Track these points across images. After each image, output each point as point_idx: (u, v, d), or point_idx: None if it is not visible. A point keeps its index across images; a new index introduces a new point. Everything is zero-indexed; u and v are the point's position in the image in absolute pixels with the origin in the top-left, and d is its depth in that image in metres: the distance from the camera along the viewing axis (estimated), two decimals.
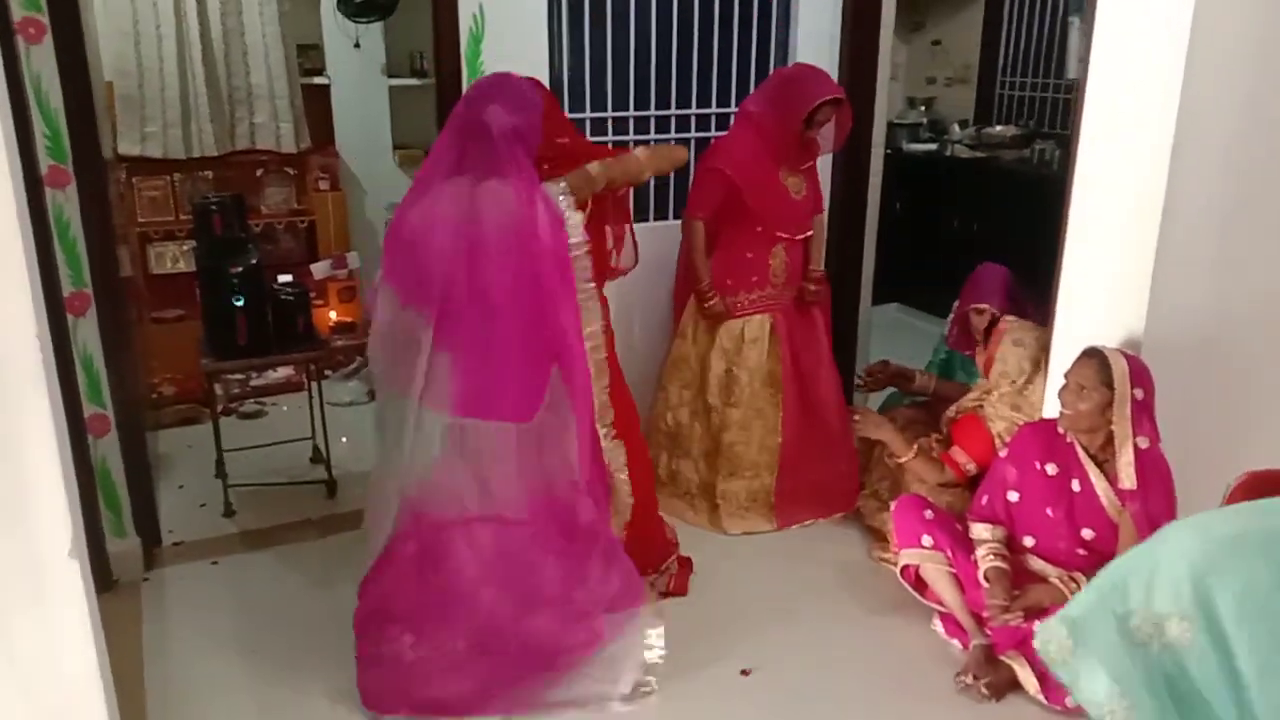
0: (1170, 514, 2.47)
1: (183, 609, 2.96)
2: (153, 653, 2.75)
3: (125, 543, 3.09)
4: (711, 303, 3.35)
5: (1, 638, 1.50)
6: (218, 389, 3.74)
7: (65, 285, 2.83)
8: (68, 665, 1.60)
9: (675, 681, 2.62)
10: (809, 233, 3.46)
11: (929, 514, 2.82)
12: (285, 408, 4.41)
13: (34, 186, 2.63)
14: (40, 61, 2.67)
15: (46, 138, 2.72)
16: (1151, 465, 2.43)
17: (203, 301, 3.47)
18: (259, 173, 4.77)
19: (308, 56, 4.96)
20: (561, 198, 2.41)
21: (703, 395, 3.45)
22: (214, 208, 3.57)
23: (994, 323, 3.11)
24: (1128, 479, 2.43)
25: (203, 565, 3.19)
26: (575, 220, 2.42)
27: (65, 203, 2.78)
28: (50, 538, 1.53)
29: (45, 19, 2.64)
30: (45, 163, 2.73)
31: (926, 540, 2.79)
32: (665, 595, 3.00)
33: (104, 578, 2.93)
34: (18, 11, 2.60)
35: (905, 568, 2.86)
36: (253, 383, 4.53)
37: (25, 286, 1.45)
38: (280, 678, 2.59)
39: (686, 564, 3.12)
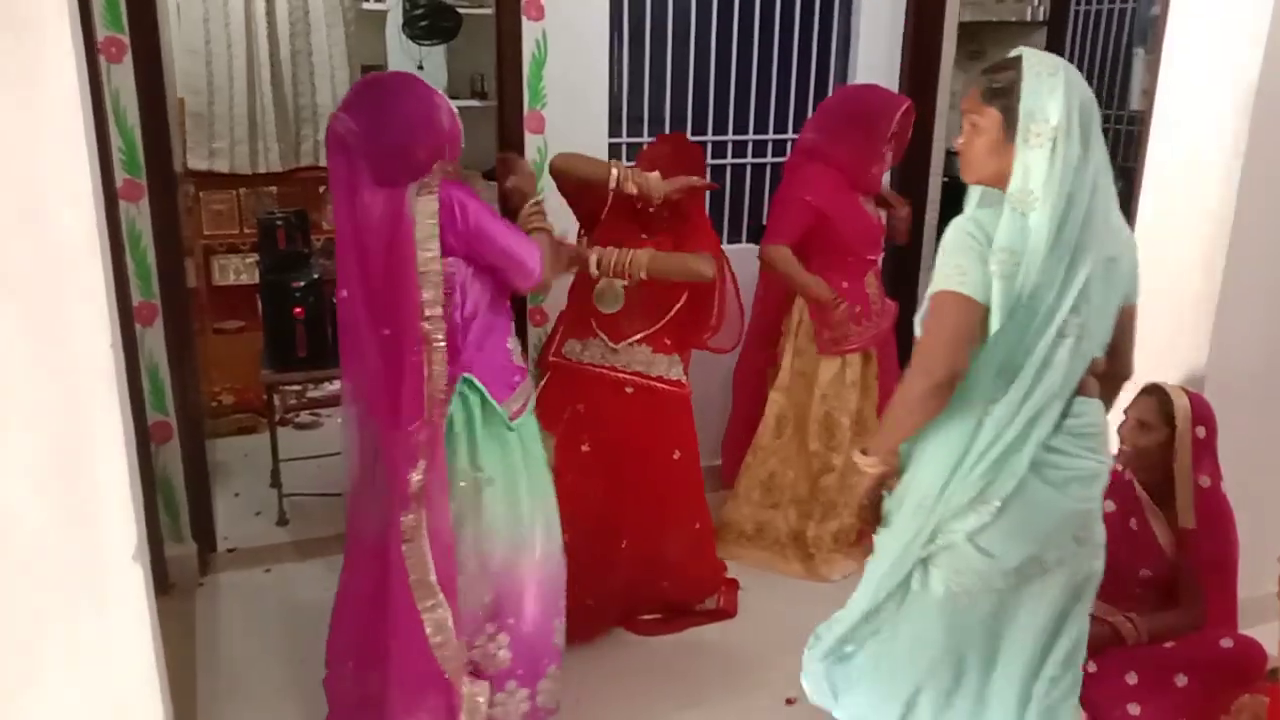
0: (1231, 555, 2.41)
1: (235, 614, 3.02)
2: (205, 656, 2.80)
3: (182, 547, 3.16)
4: (841, 308, 3.17)
5: (64, 635, 1.53)
6: (276, 400, 3.80)
7: (134, 295, 2.91)
8: (126, 664, 1.63)
9: (718, 707, 2.62)
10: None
11: None
12: (341, 420, 4.46)
13: (109, 200, 2.72)
14: (120, 79, 2.77)
15: (122, 152, 2.81)
16: (1212, 505, 2.37)
17: (264, 314, 3.54)
18: (322, 189, 4.87)
19: None
20: (427, 219, 2.09)
21: (797, 439, 3.33)
22: (278, 223, 3.67)
23: None
24: (1187, 519, 2.38)
25: (256, 572, 3.25)
26: (426, 221, 2.09)
27: (137, 216, 2.87)
28: (114, 540, 1.56)
29: (126, 39, 2.74)
30: (120, 176, 2.82)
31: None
32: (716, 617, 3.00)
33: (161, 581, 2.98)
34: (101, 31, 2.70)
35: None
36: (310, 394, 4.60)
37: (102, 297, 1.49)
38: None
39: (733, 585, 3.13)
